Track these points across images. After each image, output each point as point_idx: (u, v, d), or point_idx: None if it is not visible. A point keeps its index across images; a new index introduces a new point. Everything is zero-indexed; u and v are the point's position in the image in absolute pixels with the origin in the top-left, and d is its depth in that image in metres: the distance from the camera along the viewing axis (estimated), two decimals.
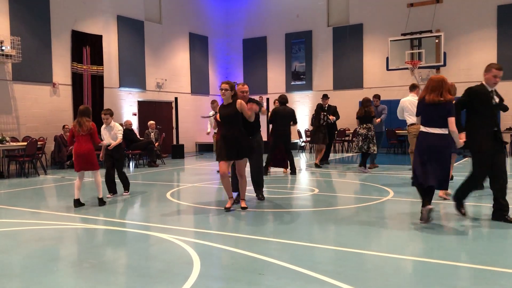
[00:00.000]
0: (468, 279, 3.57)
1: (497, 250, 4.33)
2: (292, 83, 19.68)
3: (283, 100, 10.54)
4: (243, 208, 6.37)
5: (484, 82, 5.47)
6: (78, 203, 6.92)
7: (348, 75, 18.47)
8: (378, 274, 3.74)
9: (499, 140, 5.35)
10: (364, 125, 10.52)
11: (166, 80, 18.01)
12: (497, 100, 5.49)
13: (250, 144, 6.38)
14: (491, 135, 5.34)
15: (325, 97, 12.07)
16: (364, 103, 10.55)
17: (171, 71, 18.34)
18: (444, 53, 15.56)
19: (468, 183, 5.55)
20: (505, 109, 5.85)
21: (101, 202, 7.07)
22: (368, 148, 10.40)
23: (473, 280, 3.54)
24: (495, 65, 5.47)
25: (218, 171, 10.74)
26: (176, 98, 16.98)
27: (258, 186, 7.16)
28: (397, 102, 18.01)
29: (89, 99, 14.87)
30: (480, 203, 6.52)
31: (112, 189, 7.84)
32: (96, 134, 7.07)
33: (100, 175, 7.20)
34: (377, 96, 11.40)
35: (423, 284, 3.47)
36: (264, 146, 7.37)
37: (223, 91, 6.26)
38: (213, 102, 11.10)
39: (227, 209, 6.34)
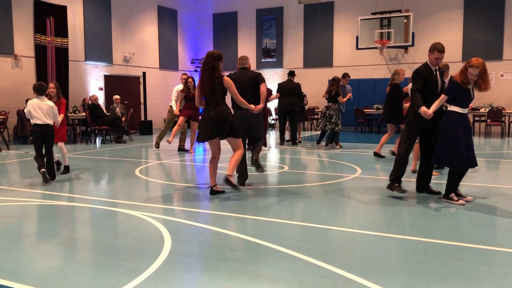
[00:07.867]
0: (432, 254, 3.70)
1: (457, 226, 4.50)
2: (263, 60, 19.57)
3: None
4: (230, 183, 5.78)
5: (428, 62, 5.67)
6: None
7: (318, 53, 18.49)
8: (347, 250, 3.83)
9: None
10: (326, 104, 10.93)
11: (133, 54, 17.57)
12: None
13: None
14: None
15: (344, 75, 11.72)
16: (330, 82, 10.84)
17: (139, 45, 17.89)
18: (413, 33, 15.77)
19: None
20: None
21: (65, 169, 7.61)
22: (324, 126, 10.83)
23: (437, 254, 3.67)
24: (437, 45, 5.55)
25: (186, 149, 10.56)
26: (144, 73, 16.64)
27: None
28: (366, 80, 18.17)
29: (53, 72, 14.38)
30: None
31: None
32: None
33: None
34: (344, 75, 11.54)
35: (390, 259, 3.58)
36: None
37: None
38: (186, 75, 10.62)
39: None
